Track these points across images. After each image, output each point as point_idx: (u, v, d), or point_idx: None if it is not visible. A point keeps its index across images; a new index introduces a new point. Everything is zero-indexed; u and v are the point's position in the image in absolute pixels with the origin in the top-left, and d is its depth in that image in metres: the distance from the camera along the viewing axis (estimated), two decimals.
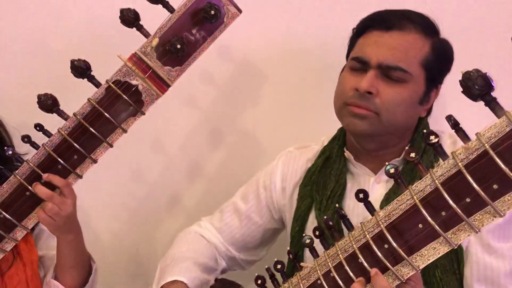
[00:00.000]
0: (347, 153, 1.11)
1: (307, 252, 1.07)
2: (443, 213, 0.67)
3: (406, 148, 1.06)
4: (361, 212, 1.03)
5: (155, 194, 1.44)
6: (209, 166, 1.40)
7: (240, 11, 0.87)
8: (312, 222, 1.11)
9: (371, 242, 0.73)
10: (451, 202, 0.65)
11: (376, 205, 0.78)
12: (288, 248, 1.01)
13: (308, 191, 1.12)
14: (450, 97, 1.14)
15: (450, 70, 1.09)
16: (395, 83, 1.00)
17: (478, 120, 0.67)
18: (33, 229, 1.01)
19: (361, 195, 0.76)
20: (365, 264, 0.73)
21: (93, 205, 1.42)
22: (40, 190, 0.87)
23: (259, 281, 0.87)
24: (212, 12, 0.79)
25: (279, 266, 0.86)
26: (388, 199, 1.02)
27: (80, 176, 0.89)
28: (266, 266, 0.89)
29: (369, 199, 1.03)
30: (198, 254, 1.15)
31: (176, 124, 1.40)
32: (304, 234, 0.84)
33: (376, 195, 1.06)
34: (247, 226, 1.21)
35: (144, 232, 1.25)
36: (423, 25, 1.04)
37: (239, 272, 1.28)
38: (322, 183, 1.11)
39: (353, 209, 1.07)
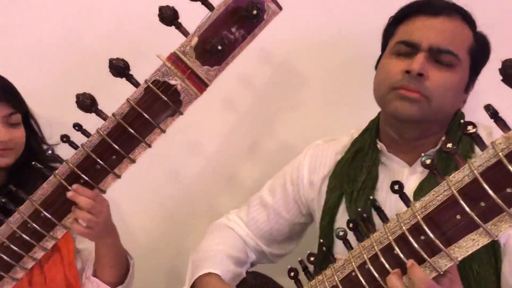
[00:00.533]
0: (380, 145, 1.08)
1: (337, 244, 1.07)
2: (482, 204, 0.66)
3: (443, 138, 1.04)
4: (393, 204, 1.03)
5: (192, 195, 1.44)
6: (246, 169, 1.39)
7: (280, 8, 0.85)
8: (342, 214, 1.10)
9: (407, 233, 0.72)
10: (491, 192, 0.64)
11: (410, 197, 0.77)
12: (321, 241, 1.00)
13: (338, 183, 1.11)
14: (485, 90, 1.12)
15: (486, 64, 1.08)
16: (445, 67, 0.99)
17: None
18: None
19: (396, 187, 0.75)
20: (401, 256, 0.73)
21: (130, 205, 1.43)
22: (83, 201, 0.88)
23: (292, 273, 0.88)
24: (255, 11, 0.77)
25: (312, 258, 0.86)
26: (421, 190, 1.00)
27: (119, 176, 0.89)
28: (299, 259, 0.88)
29: (404, 191, 1.03)
30: (229, 247, 1.15)
31: (214, 126, 1.41)
32: (337, 227, 0.83)
33: (410, 186, 1.04)
34: (274, 220, 1.21)
35: (180, 232, 1.25)
36: (466, 16, 1.03)
37: (269, 264, 1.27)
38: (353, 175, 1.09)
39: (385, 201, 1.05)
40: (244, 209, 1.25)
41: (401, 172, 1.07)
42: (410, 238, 0.72)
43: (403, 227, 0.72)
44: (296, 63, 1.37)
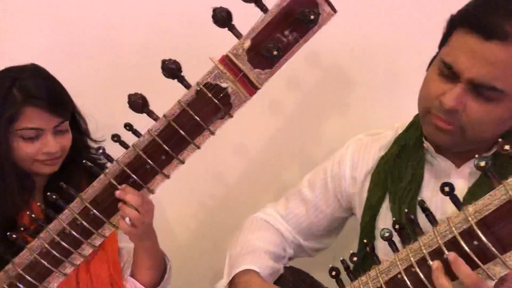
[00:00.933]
0: (426, 144, 1.05)
1: (379, 243, 1.05)
2: None
3: (499, 140, 0.97)
4: (439, 206, 1.01)
5: (234, 196, 1.44)
6: (290, 172, 1.39)
7: (335, 11, 0.83)
8: (384, 212, 1.08)
9: (459, 238, 0.70)
10: None
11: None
12: (364, 241, 0.98)
13: (381, 180, 1.08)
14: None
15: None
16: (486, 101, 0.90)
17: None
18: None
19: (446, 189, 0.72)
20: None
21: (172, 203, 1.45)
22: (132, 198, 0.89)
23: (334, 273, 0.86)
24: (312, 16, 0.76)
25: (355, 259, 0.84)
26: (473, 193, 0.97)
27: (168, 177, 0.89)
28: (341, 258, 0.87)
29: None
30: (267, 242, 1.14)
31: (259, 129, 1.40)
32: (382, 227, 0.81)
33: (457, 189, 0.98)
34: (314, 215, 1.19)
35: (221, 232, 1.25)
36: None
37: (306, 260, 1.26)
38: (397, 173, 1.06)
39: (431, 202, 1.02)
40: (282, 203, 1.23)
41: (448, 173, 1.03)
42: (462, 243, 0.69)
43: (455, 231, 0.70)
44: (344, 67, 1.35)
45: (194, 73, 0.86)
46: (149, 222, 0.98)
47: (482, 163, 0.67)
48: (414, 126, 1.09)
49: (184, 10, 1.35)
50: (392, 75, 1.33)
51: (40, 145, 1.13)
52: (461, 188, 1.00)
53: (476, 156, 0.70)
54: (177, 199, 1.46)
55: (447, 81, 0.94)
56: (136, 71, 1.37)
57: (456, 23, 0.95)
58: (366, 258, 0.84)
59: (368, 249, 0.83)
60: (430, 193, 1.03)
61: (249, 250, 1.11)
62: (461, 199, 0.96)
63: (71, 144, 1.20)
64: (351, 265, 0.86)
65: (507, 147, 0.65)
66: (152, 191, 0.90)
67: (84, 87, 1.24)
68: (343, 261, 0.86)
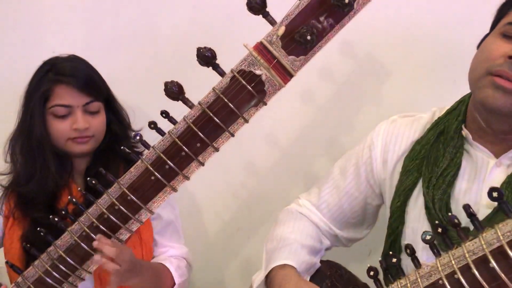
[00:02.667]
0: (464, 131, 1.02)
1: (407, 230, 1.04)
2: None
3: None
4: (473, 198, 0.98)
5: (265, 187, 1.45)
6: (321, 164, 1.38)
7: None
8: (415, 198, 1.05)
9: (506, 247, 0.67)
10: None
11: None
12: (406, 243, 0.96)
13: (416, 165, 1.05)
14: None
15: None
16: None
17: None
18: None
19: (495, 194, 0.69)
20: (498, 270, 0.68)
21: (205, 192, 1.46)
22: (108, 250, 0.93)
23: (372, 273, 0.84)
24: (346, 0, 0.74)
25: (394, 260, 0.81)
26: (510, 185, 0.94)
27: (203, 164, 0.90)
28: (380, 259, 0.85)
29: (486, 184, 0.97)
30: (303, 235, 1.13)
31: (292, 120, 1.40)
32: (424, 231, 0.79)
33: (495, 179, 0.98)
34: (347, 202, 1.17)
35: (251, 220, 1.26)
36: None
37: (343, 253, 1.25)
38: (433, 159, 1.03)
39: (465, 193, 1.00)
40: (314, 192, 1.22)
41: (486, 163, 1.00)
42: (510, 253, 0.67)
43: (503, 240, 0.68)
44: (379, 57, 1.33)
45: (230, 62, 0.87)
46: (125, 268, 0.99)
47: None
48: (456, 112, 1.06)
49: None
50: (428, 65, 1.29)
51: (70, 122, 1.19)
52: (500, 179, 0.97)
53: None
54: (209, 191, 1.47)
55: None
56: (173, 60, 1.39)
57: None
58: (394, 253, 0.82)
59: (408, 251, 0.80)
60: (466, 182, 1.01)
61: (286, 244, 1.11)
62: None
63: (107, 130, 1.24)
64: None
65: None
66: (187, 178, 0.91)
67: (123, 77, 1.27)
68: (381, 262, 0.84)
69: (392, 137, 1.12)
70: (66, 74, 1.19)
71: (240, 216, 1.49)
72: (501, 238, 0.68)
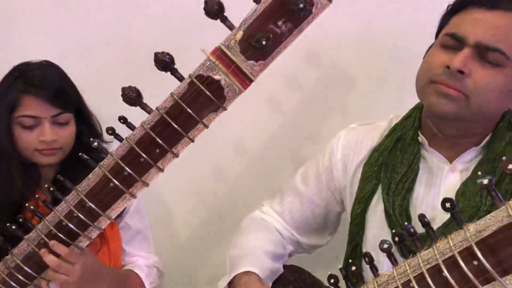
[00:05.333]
0: (421, 137, 1.04)
1: (368, 236, 1.05)
2: None
3: (487, 138, 0.99)
4: (430, 203, 1.00)
5: (235, 193, 1.44)
6: (288, 170, 1.38)
7: (330, 0, 0.81)
8: (375, 204, 1.06)
9: (458, 257, 0.68)
10: None
11: (449, 195, 0.76)
12: (367, 249, 0.97)
13: (374, 172, 1.07)
14: None
15: None
16: (491, 66, 0.92)
17: None
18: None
19: (447, 205, 0.70)
20: (450, 280, 0.68)
21: (174, 198, 1.45)
22: (49, 258, 0.91)
23: (332, 280, 0.84)
24: (301, 5, 0.74)
25: (353, 268, 0.82)
26: (464, 192, 0.96)
27: (162, 170, 0.89)
28: (340, 267, 0.85)
29: (442, 189, 0.99)
30: (267, 242, 1.14)
31: (259, 127, 1.40)
32: (382, 239, 0.79)
33: (450, 184, 1.00)
34: (309, 209, 1.18)
35: (220, 226, 1.25)
36: None
37: (307, 258, 1.25)
38: (392, 165, 1.05)
39: (423, 199, 1.01)
40: (277, 199, 1.22)
41: (441, 169, 1.02)
42: (461, 263, 0.67)
43: (454, 250, 0.68)
44: (344, 66, 1.34)
45: (190, 68, 0.86)
46: (75, 280, 0.97)
47: (486, 181, 0.65)
48: (411, 119, 1.08)
49: (178, 2, 1.35)
50: (392, 73, 1.30)
51: (37, 134, 1.16)
52: (454, 183, 0.99)
53: (479, 173, 0.70)
54: (178, 196, 1.47)
55: (450, 51, 0.95)
56: (146, 66, 1.37)
57: (456, 9, 0.98)
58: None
59: (366, 259, 0.80)
60: (423, 187, 1.03)
61: (249, 251, 1.11)
62: (453, 194, 0.95)
63: (77, 139, 1.21)
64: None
65: (511, 166, 0.63)
66: (146, 184, 0.90)
67: (80, 81, 1.25)
68: (341, 270, 0.84)
69: (351, 144, 1.13)
70: (35, 84, 1.14)
71: (209, 223, 1.48)
72: (453, 248, 0.68)
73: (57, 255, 0.93)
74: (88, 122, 1.26)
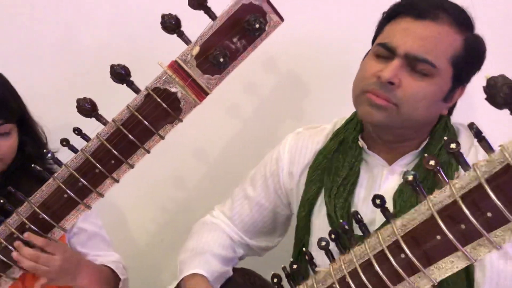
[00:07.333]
0: (361, 142, 1.08)
1: (313, 239, 1.08)
2: (463, 227, 0.64)
3: (424, 143, 1.04)
4: (371, 205, 0.99)
5: (194, 200, 1.45)
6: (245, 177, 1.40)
7: (282, 19, 0.85)
8: (319, 207, 1.09)
9: (386, 251, 0.71)
10: (470, 216, 0.62)
11: (388, 196, 0.76)
12: (304, 249, 1.00)
13: (318, 175, 1.10)
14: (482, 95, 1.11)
15: (480, 69, 1.02)
16: (420, 77, 0.96)
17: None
18: None
19: (378, 201, 0.74)
20: (381, 273, 0.71)
21: (133, 208, 1.45)
22: (25, 252, 0.90)
23: (275, 280, 0.87)
24: (257, 25, 0.78)
25: (294, 267, 0.85)
26: (401, 193, 1.00)
27: (117, 181, 0.89)
28: (282, 266, 0.88)
29: (381, 191, 1.03)
30: (215, 245, 1.15)
31: (218, 133, 1.42)
32: (320, 237, 0.81)
33: (389, 187, 1.03)
34: (258, 212, 1.20)
35: (181, 235, 1.26)
36: (458, 18, 0.98)
37: (257, 261, 1.28)
38: (334, 168, 1.08)
39: (364, 200, 1.05)
40: (228, 203, 1.24)
41: (381, 171, 1.06)
42: (390, 256, 0.70)
43: (383, 244, 0.71)
44: (299, 72, 1.38)
45: (148, 80, 0.87)
46: (57, 270, 0.97)
47: (410, 177, 0.68)
48: (353, 122, 1.11)
49: (136, 15, 1.35)
50: (342, 79, 1.36)
51: None
52: (393, 186, 1.02)
53: (407, 170, 0.71)
54: (137, 203, 1.46)
55: (382, 61, 0.99)
56: (90, 76, 1.36)
57: (389, 17, 1.02)
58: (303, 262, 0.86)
59: (307, 257, 0.83)
60: (364, 190, 1.06)
61: (197, 254, 1.12)
62: (392, 197, 1.00)
63: (20, 149, 1.15)
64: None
65: (432, 162, 0.66)
66: (101, 195, 0.90)
67: (34, 92, 1.21)
68: (283, 268, 0.87)
69: (297, 148, 1.16)
70: None
71: (168, 230, 1.49)
72: (382, 242, 0.71)
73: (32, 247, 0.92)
74: (32, 132, 1.21)
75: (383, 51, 0.98)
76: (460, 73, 0.99)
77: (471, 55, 0.99)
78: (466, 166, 0.64)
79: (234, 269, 1.18)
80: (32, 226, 0.90)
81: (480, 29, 1.02)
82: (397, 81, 0.95)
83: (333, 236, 0.78)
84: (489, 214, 0.62)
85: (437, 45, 0.95)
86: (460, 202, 0.63)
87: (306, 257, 0.83)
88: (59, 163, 0.89)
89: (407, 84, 0.95)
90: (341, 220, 0.83)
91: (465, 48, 0.98)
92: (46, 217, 0.89)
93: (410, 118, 0.98)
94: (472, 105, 1.20)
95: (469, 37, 0.99)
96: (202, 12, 0.84)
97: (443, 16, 0.96)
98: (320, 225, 1.09)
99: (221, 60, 0.80)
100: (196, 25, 0.85)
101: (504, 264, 0.95)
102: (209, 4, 0.82)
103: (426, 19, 0.96)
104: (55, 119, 1.24)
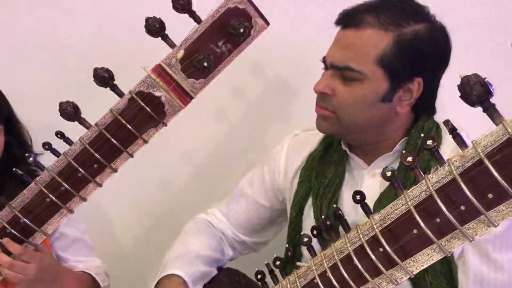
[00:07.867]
0: (342, 145, 1.11)
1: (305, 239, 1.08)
2: (438, 220, 0.66)
3: (399, 143, 1.05)
4: (355, 206, 1.03)
5: (179, 203, 1.45)
6: (234, 179, 1.40)
7: (268, 23, 0.84)
8: (309, 207, 1.12)
9: (365, 245, 0.72)
10: (444, 209, 0.64)
11: (369, 197, 0.76)
12: (287, 245, 1.01)
13: (307, 176, 1.13)
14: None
15: (447, 61, 1.02)
16: (350, 83, 0.99)
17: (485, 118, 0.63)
18: None
19: (358, 197, 0.75)
20: (360, 267, 0.72)
21: (118, 211, 1.44)
22: (1, 259, 0.90)
23: (259, 276, 0.89)
24: (241, 30, 0.77)
25: (278, 263, 0.86)
26: (380, 203, 1.01)
27: (100, 185, 0.88)
28: (266, 262, 0.89)
29: (364, 191, 1.02)
30: (202, 246, 1.16)
31: (205, 137, 1.42)
32: (302, 233, 0.84)
33: (369, 188, 1.05)
34: (254, 209, 1.22)
35: (166, 238, 1.26)
36: (389, 17, 0.97)
37: (243, 260, 1.27)
38: (321, 170, 1.11)
39: (348, 200, 1.07)
40: (224, 201, 1.25)
41: (361, 173, 1.09)
42: (368, 250, 0.71)
43: (362, 239, 0.72)
44: (286, 77, 1.39)
45: (132, 83, 0.86)
46: (31, 278, 0.96)
47: (389, 173, 0.70)
48: None
49: (120, 18, 1.34)
50: None
51: None
52: (372, 186, 1.05)
53: (385, 166, 0.72)
54: (122, 206, 1.45)
55: (324, 73, 1.05)
56: (73, 78, 1.35)
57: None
58: (289, 262, 0.87)
59: (289, 253, 0.84)
60: (348, 191, 1.09)
61: (181, 255, 1.12)
62: (374, 197, 1.01)
63: (5, 151, 1.15)
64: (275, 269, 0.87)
65: (409, 159, 0.67)
66: (84, 199, 0.89)
67: (18, 94, 1.20)
68: (267, 265, 0.88)
69: (293, 150, 1.19)
70: None
71: (153, 233, 1.48)
72: (361, 236, 0.73)
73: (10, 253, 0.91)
74: (18, 134, 1.21)
75: (324, 64, 1.05)
76: (395, 70, 0.97)
77: (407, 50, 0.96)
78: (442, 162, 0.65)
79: (219, 268, 1.18)
80: (12, 231, 0.88)
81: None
82: (330, 90, 1.01)
83: (315, 232, 0.80)
84: (462, 208, 0.64)
85: (359, 51, 0.98)
86: (435, 196, 0.64)
87: (289, 253, 0.84)
88: (41, 166, 0.88)
89: (338, 92, 1.01)
90: (322, 216, 0.84)
91: (396, 45, 0.96)
92: (27, 221, 0.88)
93: (350, 123, 1.02)
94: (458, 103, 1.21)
95: (404, 33, 0.96)
96: (187, 15, 0.84)
97: (370, 19, 0.97)
98: (309, 225, 1.08)
99: (206, 64, 0.79)
100: (181, 28, 0.85)
101: (487, 268, 0.97)
102: (195, 7, 0.81)
103: (349, 27, 1.00)
104: (39, 121, 1.22)
